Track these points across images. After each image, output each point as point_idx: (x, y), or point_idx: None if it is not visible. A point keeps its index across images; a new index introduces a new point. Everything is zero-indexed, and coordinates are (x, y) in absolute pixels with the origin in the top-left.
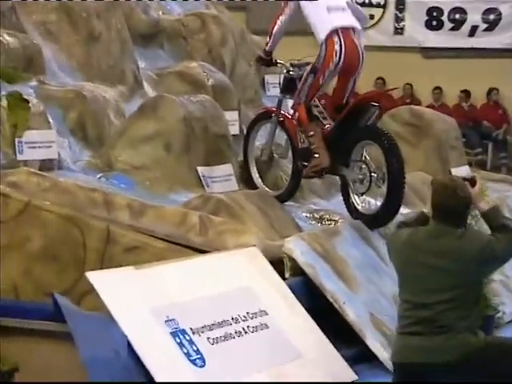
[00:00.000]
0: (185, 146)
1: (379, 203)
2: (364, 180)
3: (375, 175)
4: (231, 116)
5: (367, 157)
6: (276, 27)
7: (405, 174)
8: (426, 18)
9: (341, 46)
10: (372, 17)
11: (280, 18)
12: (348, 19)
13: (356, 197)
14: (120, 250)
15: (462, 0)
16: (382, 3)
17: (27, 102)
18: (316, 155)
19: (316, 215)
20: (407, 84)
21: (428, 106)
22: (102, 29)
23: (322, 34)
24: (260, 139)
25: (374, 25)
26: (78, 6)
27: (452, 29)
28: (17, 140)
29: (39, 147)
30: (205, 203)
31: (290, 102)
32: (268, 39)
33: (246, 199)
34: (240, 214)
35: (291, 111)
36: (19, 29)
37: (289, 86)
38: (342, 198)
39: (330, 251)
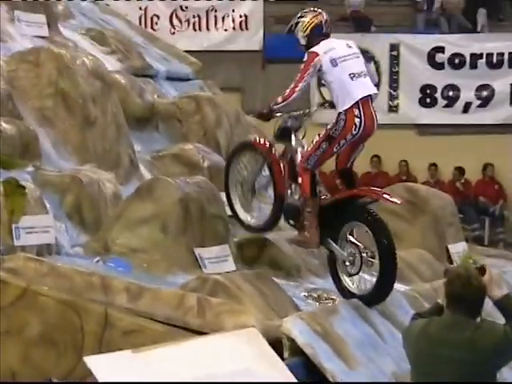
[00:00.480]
0: (182, 228)
1: (373, 280)
2: (355, 261)
3: (365, 255)
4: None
5: (355, 237)
6: (294, 94)
7: (396, 252)
8: (420, 95)
9: (360, 118)
10: None
11: (300, 84)
12: (369, 87)
13: (346, 277)
14: (118, 333)
15: (455, 77)
16: (375, 82)
17: (24, 187)
18: (306, 233)
19: (314, 294)
20: (403, 161)
21: (424, 183)
22: (98, 113)
23: (344, 107)
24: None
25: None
26: (74, 92)
27: (446, 106)
28: (14, 226)
29: (36, 232)
30: (202, 285)
31: None
32: (280, 99)
33: (244, 280)
34: (238, 295)
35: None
36: (16, 115)
37: (283, 135)
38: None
39: (328, 330)
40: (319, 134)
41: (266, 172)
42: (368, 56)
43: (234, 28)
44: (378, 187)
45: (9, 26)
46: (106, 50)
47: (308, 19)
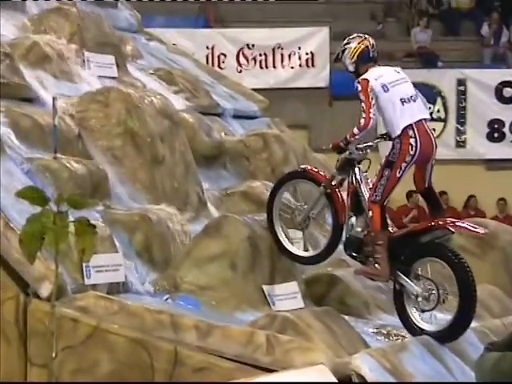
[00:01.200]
0: (250, 265)
1: (448, 318)
2: (430, 297)
3: (442, 292)
4: (296, 234)
5: (429, 273)
6: (371, 122)
7: (476, 291)
8: (488, 130)
9: (416, 139)
10: (433, 130)
11: (371, 110)
12: (420, 111)
13: (416, 312)
14: (188, 371)
15: None
16: (442, 117)
17: (94, 227)
18: (377, 265)
19: (383, 331)
20: (471, 196)
21: (493, 218)
22: (166, 152)
23: (397, 130)
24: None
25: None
26: (143, 131)
27: None
28: (84, 265)
29: (106, 271)
30: (271, 322)
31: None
32: (356, 130)
33: (313, 316)
34: (307, 332)
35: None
36: (86, 155)
37: (346, 166)
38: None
39: (398, 367)
40: (380, 164)
41: (322, 202)
42: (435, 91)
43: (300, 65)
44: None
45: (79, 67)
46: (173, 89)
47: (355, 45)
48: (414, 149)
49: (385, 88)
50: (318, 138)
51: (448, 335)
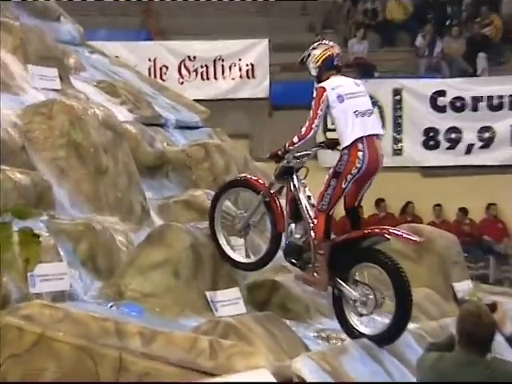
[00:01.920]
0: (193, 272)
1: (386, 321)
2: (367, 301)
3: (379, 296)
4: (237, 241)
5: (366, 278)
6: (312, 132)
7: (412, 295)
8: (423, 138)
9: (364, 153)
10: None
11: (315, 121)
12: (373, 126)
13: (354, 316)
14: (133, 377)
15: (457, 120)
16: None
17: (38, 236)
18: (316, 274)
19: (323, 334)
20: (408, 202)
21: (429, 223)
22: (110, 163)
23: (347, 142)
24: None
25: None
26: (86, 142)
27: (449, 148)
28: (29, 274)
29: (51, 280)
30: (214, 327)
31: None
32: (296, 139)
33: (254, 321)
34: (249, 337)
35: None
36: (30, 166)
37: (284, 174)
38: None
39: (338, 369)
40: (328, 174)
41: (261, 210)
42: (372, 101)
43: (240, 76)
44: None
45: (22, 79)
46: (116, 100)
47: (320, 51)
48: (360, 162)
49: (340, 99)
50: (259, 148)
51: (386, 338)
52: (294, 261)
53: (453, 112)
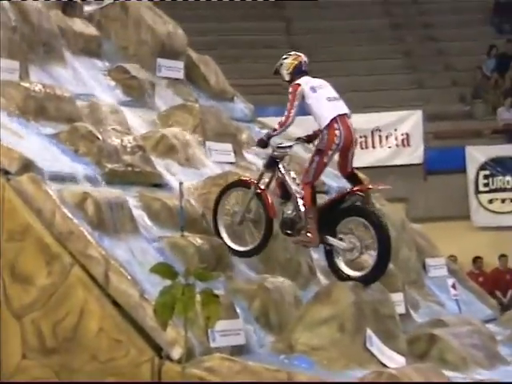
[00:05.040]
0: (357, 327)
1: (370, 262)
2: (354, 249)
3: (363, 243)
4: (397, 297)
5: (352, 230)
6: (289, 119)
7: (390, 235)
8: None
9: (340, 131)
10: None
11: (292, 111)
12: (343, 107)
13: (343, 263)
14: None
15: None
16: None
17: (217, 296)
18: (309, 234)
19: None
20: None
21: None
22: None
23: (326, 121)
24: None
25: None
26: None
27: None
28: (209, 330)
29: (229, 335)
30: (378, 377)
31: None
32: (278, 127)
33: (416, 372)
34: None
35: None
36: (209, 232)
37: (271, 164)
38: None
39: None
40: (311, 153)
41: (255, 203)
42: None
43: (397, 145)
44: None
45: (201, 154)
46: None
47: (291, 60)
48: (338, 139)
49: (313, 90)
50: (415, 210)
51: (370, 278)
52: (289, 232)
53: None
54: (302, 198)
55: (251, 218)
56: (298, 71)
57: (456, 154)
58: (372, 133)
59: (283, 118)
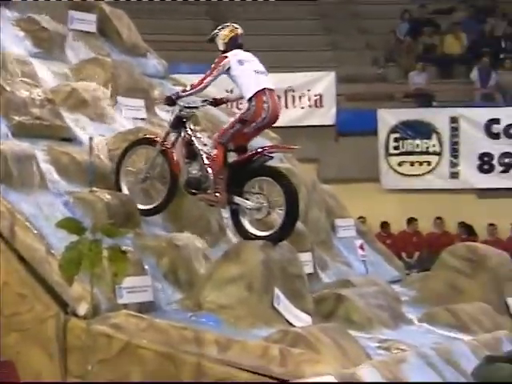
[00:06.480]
0: (265, 286)
1: (279, 221)
2: (261, 208)
3: (271, 203)
4: (305, 257)
5: (260, 189)
6: (202, 85)
7: (298, 197)
8: (478, 162)
9: (268, 105)
10: (429, 163)
11: (208, 78)
12: (271, 82)
13: (248, 222)
14: (211, 381)
15: (510, 145)
16: (438, 151)
17: (125, 252)
18: (217, 194)
19: (384, 345)
20: (463, 222)
21: (484, 242)
22: None
23: (251, 92)
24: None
25: (431, 170)
26: None
27: (502, 171)
28: (117, 286)
29: (136, 292)
30: (284, 337)
31: None
32: (188, 88)
33: (321, 332)
34: (316, 346)
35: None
36: (118, 188)
37: (177, 124)
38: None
39: (398, 377)
40: (234, 117)
41: (159, 160)
42: (430, 128)
43: (309, 106)
44: (441, 247)
45: (111, 109)
46: (197, 128)
47: (227, 32)
48: (265, 113)
49: (241, 62)
50: (326, 171)
51: (276, 237)
52: (193, 191)
53: (506, 138)
54: (208, 158)
55: (155, 176)
56: (233, 43)
57: (368, 117)
58: (285, 93)
59: (196, 82)
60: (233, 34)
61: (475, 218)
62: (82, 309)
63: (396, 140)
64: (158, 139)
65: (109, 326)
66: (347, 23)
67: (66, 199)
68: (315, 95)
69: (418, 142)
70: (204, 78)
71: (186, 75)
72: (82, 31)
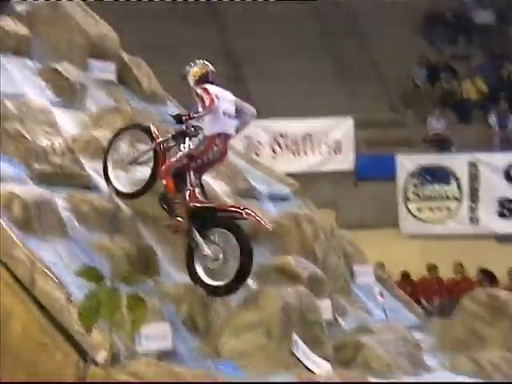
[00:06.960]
0: (284, 333)
1: (228, 278)
2: (217, 259)
3: (226, 256)
4: (324, 304)
5: (220, 241)
6: (212, 106)
7: (253, 255)
8: (498, 207)
9: (218, 148)
10: (448, 209)
11: (212, 100)
12: (232, 128)
13: (202, 270)
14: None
15: None
16: (457, 196)
17: (143, 300)
18: (179, 218)
19: None
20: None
21: (505, 288)
22: None
23: (209, 131)
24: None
25: (450, 216)
26: None
27: None
28: (136, 334)
29: (156, 339)
30: None
31: None
32: (201, 110)
33: (341, 379)
34: None
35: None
36: (138, 236)
37: (180, 137)
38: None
39: None
40: (182, 151)
41: (149, 155)
42: (449, 173)
43: (328, 152)
44: (461, 293)
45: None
46: (214, 174)
47: (197, 69)
48: (212, 155)
49: (216, 97)
50: (345, 216)
51: (223, 291)
52: (165, 207)
53: None
54: (165, 188)
55: (142, 162)
56: (204, 80)
57: (386, 162)
58: (303, 139)
59: (207, 102)
60: (203, 70)
61: (495, 262)
62: (101, 357)
63: (415, 185)
64: (156, 138)
65: (128, 373)
66: (364, 68)
67: (86, 247)
68: (333, 141)
69: (437, 187)
70: (212, 100)
71: None
72: (101, 79)
